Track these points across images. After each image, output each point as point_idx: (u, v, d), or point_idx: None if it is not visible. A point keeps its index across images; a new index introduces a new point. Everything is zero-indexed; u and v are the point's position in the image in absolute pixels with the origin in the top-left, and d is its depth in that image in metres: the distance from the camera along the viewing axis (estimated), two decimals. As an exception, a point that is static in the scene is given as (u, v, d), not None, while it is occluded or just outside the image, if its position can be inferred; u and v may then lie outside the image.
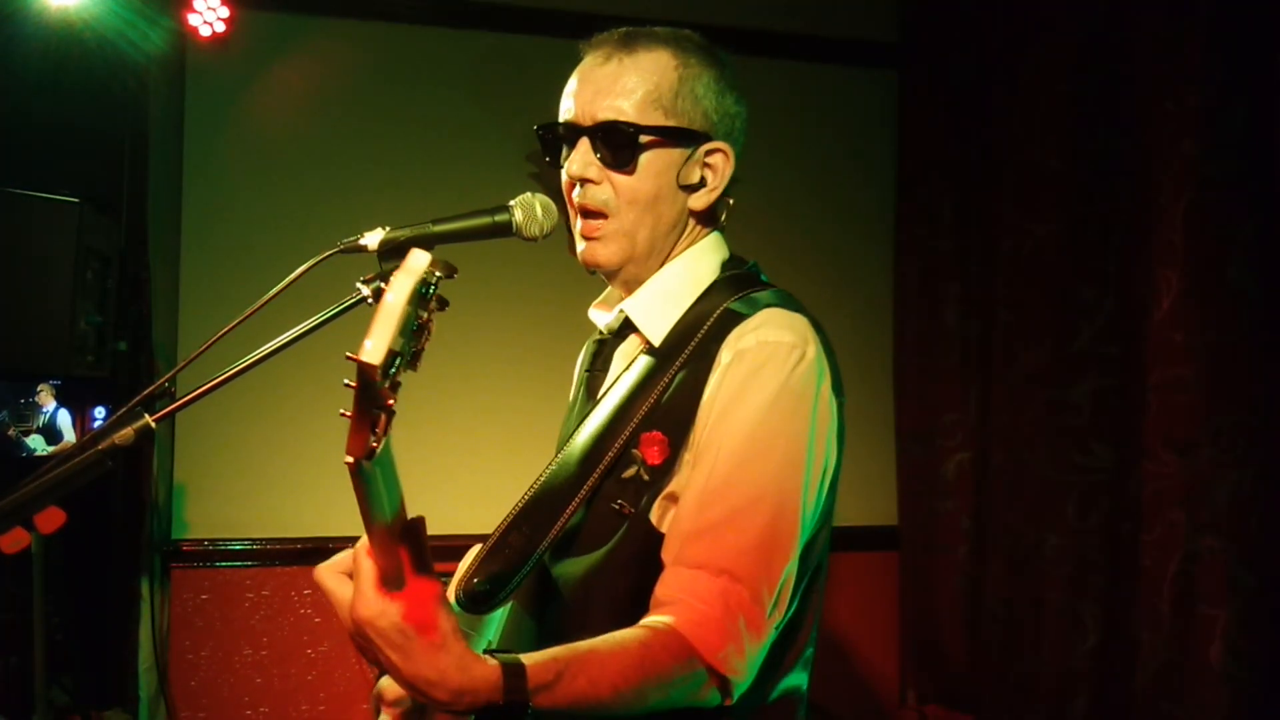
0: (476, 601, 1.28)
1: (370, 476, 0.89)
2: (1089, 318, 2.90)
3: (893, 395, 3.65)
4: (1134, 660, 2.63)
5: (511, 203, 1.34)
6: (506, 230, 1.33)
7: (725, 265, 1.43)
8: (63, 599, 2.75)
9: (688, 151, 1.36)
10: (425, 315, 0.89)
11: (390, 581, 1.00)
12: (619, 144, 1.33)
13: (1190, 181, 2.52)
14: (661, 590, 1.23)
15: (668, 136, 1.34)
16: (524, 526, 1.30)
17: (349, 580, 1.09)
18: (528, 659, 1.08)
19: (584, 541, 1.31)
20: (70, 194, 2.61)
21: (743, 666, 1.20)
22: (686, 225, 1.41)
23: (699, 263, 1.41)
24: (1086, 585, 2.87)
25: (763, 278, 1.44)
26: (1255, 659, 2.40)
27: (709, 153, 1.38)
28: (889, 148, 3.72)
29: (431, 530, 1.01)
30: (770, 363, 1.25)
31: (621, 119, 1.33)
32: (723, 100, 1.38)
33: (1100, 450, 2.86)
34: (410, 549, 1.00)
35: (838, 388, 1.31)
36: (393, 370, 0.83)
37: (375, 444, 0.86)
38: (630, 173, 1.34)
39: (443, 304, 0.92)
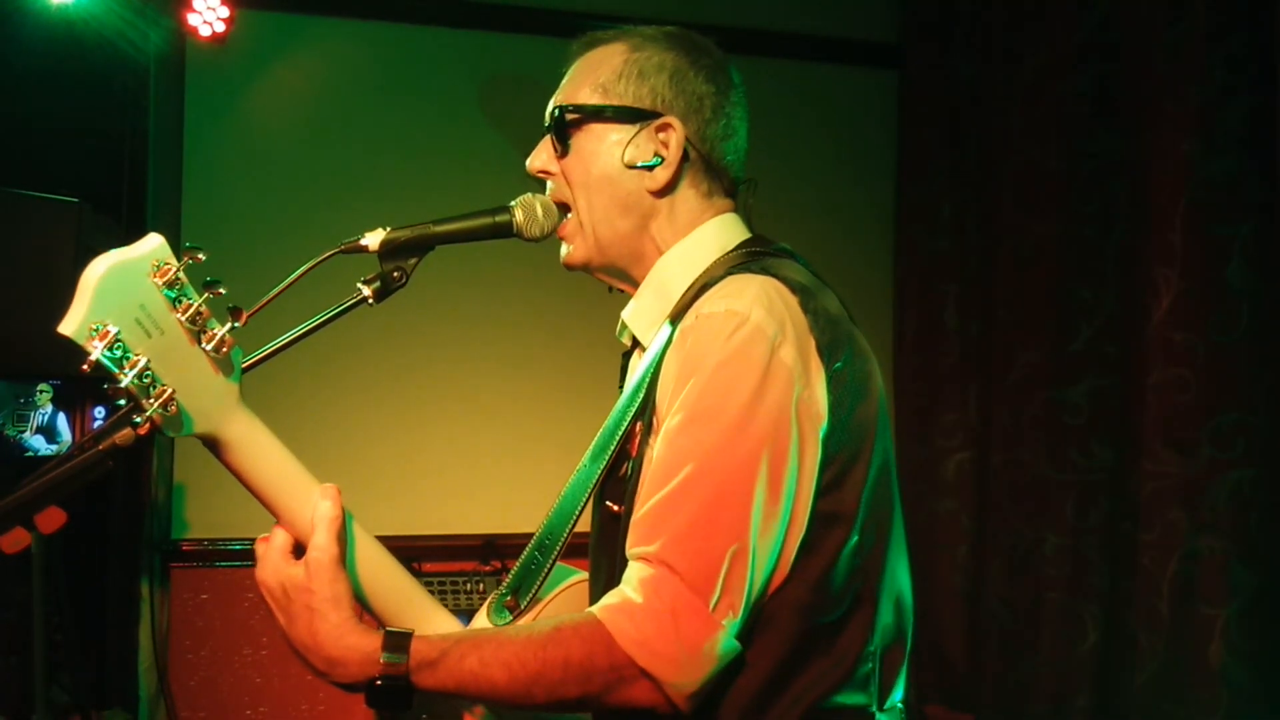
0: (501, 612, 1.27)
1: None
2: (1089, 318, 2.90)
3: (893, 395, 3.65)
4: (1134, 660, 2.63)
5: (512, 203, 1.33)
6: (507, 231, 1.32)
7: (738, 247, 1.31)
8: (63, 599, 2.75)
9: (631, 129, 1.29)
10: None
11: (301, 551, 1.09)
12: (557, 129, 1.33)
13: (1190, 181, 2.52)
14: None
15: (600, 114, 1.31)
16: (547, 538, 1.28)
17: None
18: (420, 635, 1.07)
19: (593, 548, 1.30)
20: (70, 194, 2.60)
21: (682, 666, 1.07)
22: (669, 213, 1.31)
23: (693, 251, 1.30)
24: (1086, 585, 2.87)
25: (781, 246, 1.33)
26: (1255, 659, 2.41)
27: (660, 129, 1.29)
28: (889, 148, 3.72)
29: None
30: (705, 336, 1.14)
31: (558, 104, 1.33)
32: (681, 79, 1.31)
33: (1100, 450, 2.86)
34: (317, 518, 1.12)
35: (828, 350, 1.16)
36: None
37: None
38: (568, 155, 1.32)
39: None
